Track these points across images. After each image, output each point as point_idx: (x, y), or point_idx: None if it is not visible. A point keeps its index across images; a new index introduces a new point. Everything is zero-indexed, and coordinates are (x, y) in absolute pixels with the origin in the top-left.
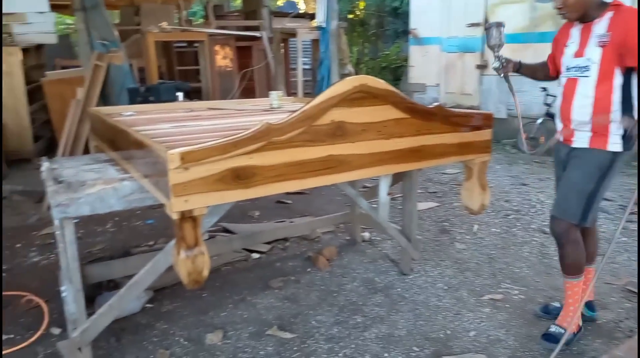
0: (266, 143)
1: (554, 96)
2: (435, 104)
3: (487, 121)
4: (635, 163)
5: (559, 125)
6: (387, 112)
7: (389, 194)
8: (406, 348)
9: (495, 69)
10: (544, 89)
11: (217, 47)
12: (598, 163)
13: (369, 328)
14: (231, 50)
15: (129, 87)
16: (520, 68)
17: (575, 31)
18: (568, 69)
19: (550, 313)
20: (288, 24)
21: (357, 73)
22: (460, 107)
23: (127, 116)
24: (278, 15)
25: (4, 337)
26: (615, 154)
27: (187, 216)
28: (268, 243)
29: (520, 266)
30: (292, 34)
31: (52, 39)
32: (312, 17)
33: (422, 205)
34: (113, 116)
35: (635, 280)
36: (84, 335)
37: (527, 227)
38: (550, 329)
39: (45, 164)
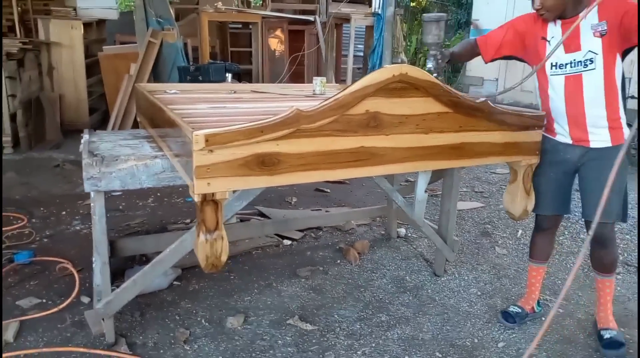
0: (294, 129)
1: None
2: (482, 99)
3: (538, 121)
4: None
5: (563, 127)
6: (428, 105)
7: (430, 190)
8: (428, 353)
9: (429, 70)
10: None
11: (269, 30)
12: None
13: (392, 328)
14: (283, 33)
15: (180, 66)
16: (451, 59)
17: (555, 27)
18: (560, 66)
19: (510, 319)
20: (343, 8)
21: (414, 63)
22: (518, 105)
23: (171, 93)
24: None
25: (36, 300)
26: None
27: (209, 199)
28: (301, 230)
29: (563, 278)
30: (347, 19)
31: (113, 15)
32: (369, 2)
33: (466, 205)
34: (156, 92)
35: None
36: (107, 307)
37: (576, 236)
38: (610, 336)
39: (84, 137)
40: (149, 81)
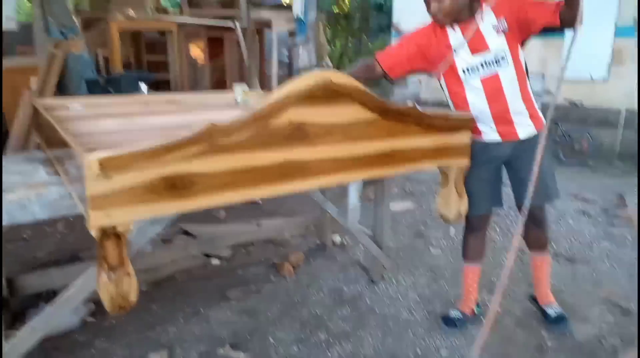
0: (209, 146)
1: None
2: (409, 103)
3: (466, 122)
4: (619, 163)
5: (489, 126)
6: (355, 113)
7: (365, 196)
8: None
9: None
10: None
11: (187, 37)
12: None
13: (332, 347)
14: (202, 40)
15: (88, 78)
16: None
17: (455, 32)
18: (471, 69)
19: (451, 324)
20: (264, 14)
21: (339, 68)
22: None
23: (75, 109)
24: (257, 5)
25: None
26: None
27: (110, 233)
28: (231, 247)
29: (497, 275)
30: (268, 24)
31: (11, 25)
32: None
33: (398, 206)
34: (56, 108)
35: (620, 291)
36: None
37: (507, 232)
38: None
39: None
40: (55, 96)
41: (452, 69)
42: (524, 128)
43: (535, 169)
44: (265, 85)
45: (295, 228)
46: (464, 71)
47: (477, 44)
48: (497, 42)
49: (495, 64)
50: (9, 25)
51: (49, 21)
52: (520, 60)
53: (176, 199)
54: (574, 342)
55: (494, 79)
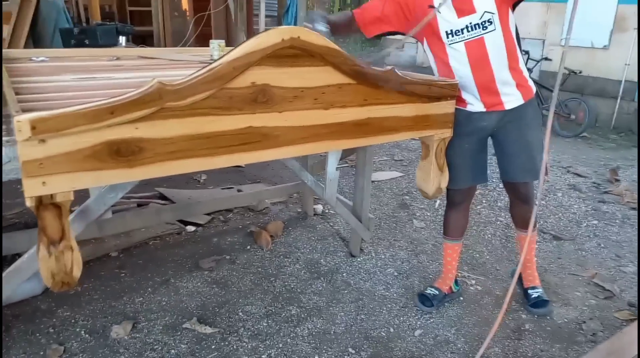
0: (158, 108)
1: (536, 60)
2: (389, 67)
3: (451, 90)
4: (615, 136)
5: (473, 95)
6: (327, 76)
7: (349, 161)
8: (340, 350)
9: (322, 31)
10: (526, 52)
11: None
12: (536, 111)
13: (302, 323)
14: None
15: (62, 28)
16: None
17: None
18: (456, 32)
19: (427, 303)
20: None
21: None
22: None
23: (37, 61)
24: None
25: None
26: (536, 94)
27: (48, 203)
28: (208, 213)
29: (480, 251)
30: None
31: None
32: None
33: (385, 175)
34: (18, 60)
35: (604, 272)
36: None
37: (494, 204)
38: (537, 295)
39: None
40: (26, 46)
41: (434, 31)
42: (511, 98)
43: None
44: None
45: (276, 195)
46: (447, 34)
47: (463, 5)
48: (485, 4)
49: (481, 27)
50: None
51: None
52: (509, 24)
53: (122, 166)
54: (553, 326)
55: (479, 44)
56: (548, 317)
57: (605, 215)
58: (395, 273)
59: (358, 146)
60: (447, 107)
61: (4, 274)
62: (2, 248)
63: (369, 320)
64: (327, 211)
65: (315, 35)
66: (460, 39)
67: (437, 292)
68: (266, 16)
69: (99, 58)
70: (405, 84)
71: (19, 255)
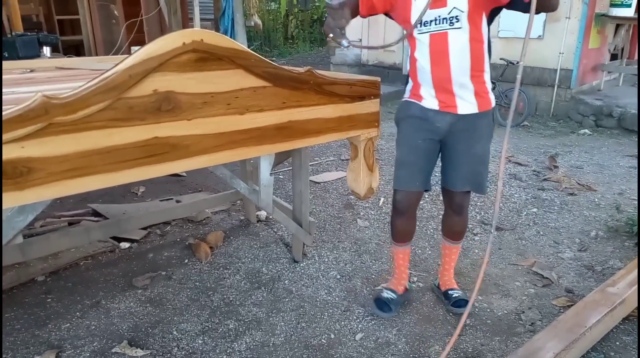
0: (45, 124)
1: None
2: (306, 68)
3: (373, 88)
4: (553, 123)
5: (429, 91)
6: (239, 79)
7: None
8: None
9: (346, 46)
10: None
11: None
12: (489, 124)
13: (240, 337)
14: None
15: None
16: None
17: None
18: (424, 23)
19: (385, 308)
20: None
21: (286, 26)
22: (381, 65)
23: None
24: None
25: None
26: (494, 108)
27: None
28: (145, 228)
29: (422, 247)
30: None
31: None
32: None
33: (331, 176)
34: None
35: (543, 260)
36: None
37: (436, 199)
38: (457, 295)
39: None
40: None
41: (407, 19)
42: (465, 104)
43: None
44: None
45: (217, 204)
46: (418, 23)
47: None
48: (456, 0)
49: (447, 21)
50: None
51: None
52: (480, 29)
53: (10, 189)
54: (493, 318)
55: (441, 39)
56: (488, 310)
57: (544, 203)
58: (338, 276)
59: (280, 150)
60: (371, 106)
61: None
62: (2, 255)
63: (310, 328)
64: (270, 217)
65: (220, 36)
66: (427, 30)
67: (394, 295)
68: (202, 19)
69: (11, 71)
70: (324, 85)
71: None
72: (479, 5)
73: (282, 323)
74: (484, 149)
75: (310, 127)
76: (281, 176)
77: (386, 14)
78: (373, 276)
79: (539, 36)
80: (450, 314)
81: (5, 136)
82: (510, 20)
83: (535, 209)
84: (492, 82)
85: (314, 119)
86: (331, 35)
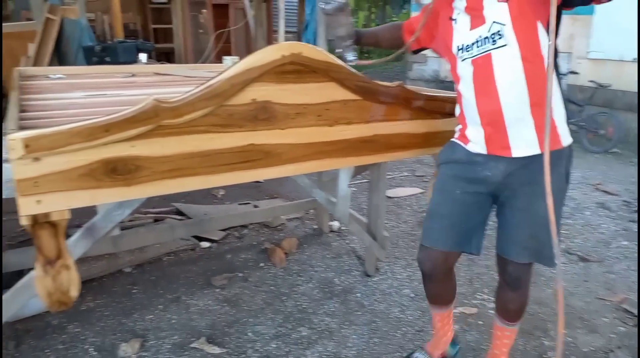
0: (154, 126)
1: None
2: (397, 82)
3: None
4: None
5: (476, 131)
6: (331, 92)
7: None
8: None
9: (351, 61)
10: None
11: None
12: (560, 174)
13: (313, 345)
14: (207, 9)
15: (85, 46)
16: (361, 39)
17: (460, 1)
18: (466, 48)
19: None
20: None
21: None
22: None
23: (54, 78)
24: None
25: None
26: (570, 147)
27: (43, 222)
28: (224, 229)
29: (485, 283)
30: None
31: None
32: None
33: (404, 191)
34: (35, 78)
35: (634, 297)
36: None
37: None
38: None
39: None
40: (52, 63)
41: (449, 47)
42: (522, 144)
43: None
44: None
45: (292, 211)
46: (458, 49)
47: (475, 12)
48: (495, 12)
49: (489, 41)
50: None
51: None
52: (534, 41)
53: (119, 185)
54: (578, 354)
55: (485, 63)
56: (573, 344)
57: (636, 236)
58: (412, 295)
59: (364, 163)
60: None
61: (13, 289)
62: (2, 255)
63: (382, 344)
64: (343, 228)
65: (316, 50)
66: (469, 56)
67: None
68: (286, 32)
69: (114, 75)
70: (413, 100)
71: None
72: (526, 14)
73: (355, 337)
74: (549, 204)
75: (395, 141)
76: (354, 189)
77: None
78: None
79: (634, 59)
80: (533, 344)
81: (118, 135)
82: (601, 41)
83: (626, 242)
84: (575, 107)
85: (400, 134)
86: (338, 50)
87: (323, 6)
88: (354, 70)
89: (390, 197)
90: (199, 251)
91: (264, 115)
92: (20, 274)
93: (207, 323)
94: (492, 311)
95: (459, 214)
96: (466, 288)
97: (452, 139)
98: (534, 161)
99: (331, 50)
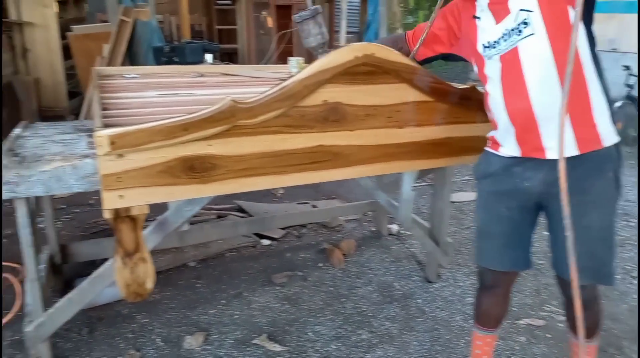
0: (230, 126)
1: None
2: (470, 84)
3: None
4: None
5: (506, 133)
6: (402, 93)
7: (428, 179)
8: None
9: None
10: (627, 67)
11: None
12: (607, 178)
13: (373, 349)
14: (270, 9)
15: (155, 46)
16: None
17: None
18: (493, 44)
19: None
20: None
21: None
22: None
23: (129, 78)
24: None
25: None
26: (617, 148)
27: (124, 216)
28: (283, 228)
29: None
30: None
31: None
32: None
33: (466, 196)
34: (112, 77)
35: None
36: (39, 329)
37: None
38: None
39: (15, 131)
40: (123, 63)
41: (473, 47)
42: (556, 142)
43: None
44: None
45: (350, 212)
46: (484, 47)
47: (502, 8)
48: (519, 1)
49: (515, 33)
50: None
51: None
52: (565, 29)
53: (195, 182)
54: None
55: (512, 57)
56: None
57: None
58: None
59: (435, 166)
60: None
61: (90, 278)
62: (1, 252)
63: (445, 353)
64: (402, 231)
65: (391, 51)
66: (496, 53)
67: None
68: (347, 32)
69: (184, 74)
70: None
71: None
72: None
73: (416, 343)
74: (603, 218)
75: (468, 144)
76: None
77: (448, 56)
78: (515, 308)
79: None
80: None
81: (196, 134)
82: None
83: None
84: (628, 87)
85: (472, 137)
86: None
87: (297, 18)
88: (427, 71)
89: (451, 201)
90: (260, 248)
91: (334, 116)
92: (92, 264)
93: (267, 320)
94: (562, 325)
95: (511, 234)
96: (533, 299)
97: (485, 148)
98: (577, 165)
99: None
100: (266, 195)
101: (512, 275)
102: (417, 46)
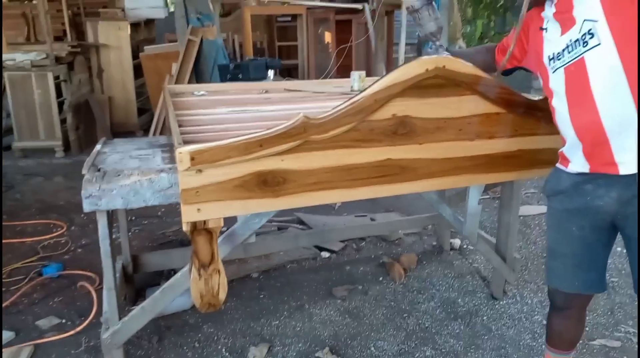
0: (302, 141)
1: None
2: (543, 96)
3: None
4: None
5: (575, 148)
6: (473, 105)
7: (492, 191)
8: None
9: None
10: None
11: (315, 21)
12: None
13: None
14: (330, 24)
15: (220, 64)
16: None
17: (550, 7)
18: (557, 56)
19: None
20: None
21: None
22: None
23: (198, 95)
24: None
25: (56, 320)
26: None
27: (201, 228)
28: (342, 241)
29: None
30: (398, 4)
31: (161, 14)
32: None
33: (532, 209)
34: (182, 95)
35: None
36: (115, 337)
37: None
38: None
39: (96, 147)
40: (190, 81)
41: (539, 59)
42: (630, 156)
43: None
44: (391, 69)
45: (410, 226)
46: (549, 59)
47: (564, 15)
48: (585, 10)
49: (581, 44)
50: (158, 14)
51: (187, 8)
52: (634, 36)
53: (268, 196)
54: None
55: (578, 69)
56: None
57: None
58: (544, 322)
59: (507, 180)
60: None
61: (161, 288)
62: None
63: None
64: (465, 246)
65: (461, 63)
66: (561, 64)
67: None
68: (406, 44)
69: (249, 91)
70: None
71: (175, 271)
72: (623, 4)
73: None
74: None
75: (541, 157)
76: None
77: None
78: (587, 328)
79: None
80: None
81: (270, 150)
82: None
83: None
84: None
85: (544, 149)
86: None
87: (411, 5)
88: (500, 82)
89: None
90: (320, 260)
91: (403, 130)
92: (160, 274)
93: (329, 333)
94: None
95: (582, 255)
96: (607, 319)
97: (556, 165)
98: None
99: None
100: (324, 207)
101: (585, 297)
102: (505, 58)
